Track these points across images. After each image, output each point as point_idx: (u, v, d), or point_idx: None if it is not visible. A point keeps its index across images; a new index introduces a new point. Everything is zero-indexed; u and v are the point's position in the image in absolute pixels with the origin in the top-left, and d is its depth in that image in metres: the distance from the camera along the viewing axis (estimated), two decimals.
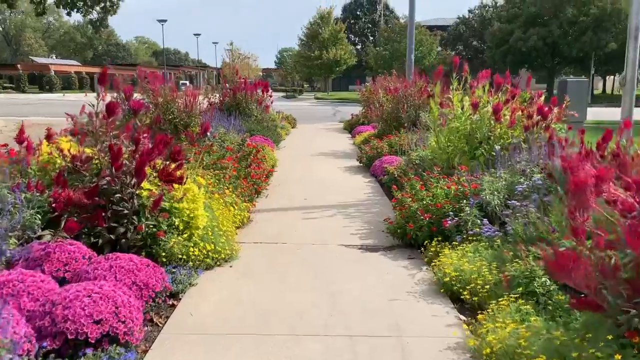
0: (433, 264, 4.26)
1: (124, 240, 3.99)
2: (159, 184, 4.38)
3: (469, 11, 65.55)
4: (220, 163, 6.82)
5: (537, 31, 43.19)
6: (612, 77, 62.50)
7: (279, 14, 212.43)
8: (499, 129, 6.14)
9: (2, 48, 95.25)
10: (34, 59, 68.34)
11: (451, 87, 6.69)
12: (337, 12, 60.58)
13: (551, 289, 3.33)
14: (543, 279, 3.37)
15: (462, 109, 6.71)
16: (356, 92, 57.79)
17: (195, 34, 66.13)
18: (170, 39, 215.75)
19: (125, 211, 4.02)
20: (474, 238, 4.38)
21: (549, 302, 3.25)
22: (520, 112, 6.35)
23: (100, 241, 3.94)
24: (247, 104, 12.57)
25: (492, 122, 6.16)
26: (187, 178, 4.50)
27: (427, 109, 11.07)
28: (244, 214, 5.43)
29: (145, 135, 4.89)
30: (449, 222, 4.60)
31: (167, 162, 4.54)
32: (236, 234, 5.17)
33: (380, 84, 14.80)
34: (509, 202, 4.47)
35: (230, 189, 5.73)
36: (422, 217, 4.83)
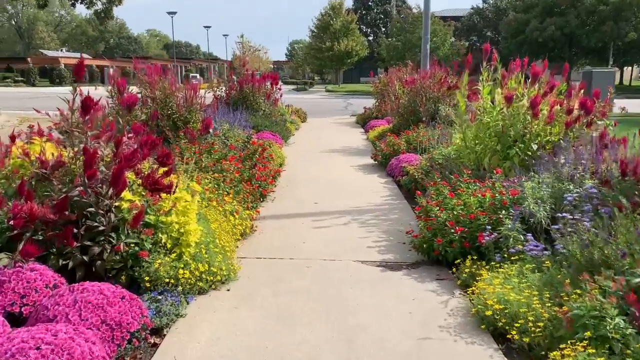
0: (470, 290, 3.56)
1: (99, 262, 3.34)
2: (144, 193, 3.73)
3: (483, 1, 64.21)
4: (222, 163, 6.16)
5: (554, 21, 41.95)
6: (629, 68, 60.97)
7: (291, 6, 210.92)
8: (535, 125, 5.40)
9: (15, 42, 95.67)
10: (44, 52, 68.21)
11: (480, 78, 5.94)
12: (349, 3, 59.65)
13: (627, 332, 2.63)
14: (617, 320, 2.66)
15: (492, 102, 5.97)
16: (369, 84, 56.95)
17: (205, 26, 65.47)
18: (181, 31, 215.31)
19: (101, 227, 3.37)
20: (517, 257, 3.68)
21: (627, 351, 2.55)
22: (558, 107, 5.60)
23: (71, 263, 3.29)
24: (255, 98, 11.89)
25: (528, 117, 5.42)
26: (177, 185, 3.84)
27: (447, 101, 10.34)
28: (246, 223, 4.77)
29: (131, 135, 4.23)
30: (486, 237, 3.90)
31: (154, 167, 3.89)
32: (236, 246, 4.52)
33: (395, 75, 14.02)
34: (558, 214, 3.76)
35: (231, 195, 5.06)
36: (452, 230, 4.13)
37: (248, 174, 6.19)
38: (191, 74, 64.76)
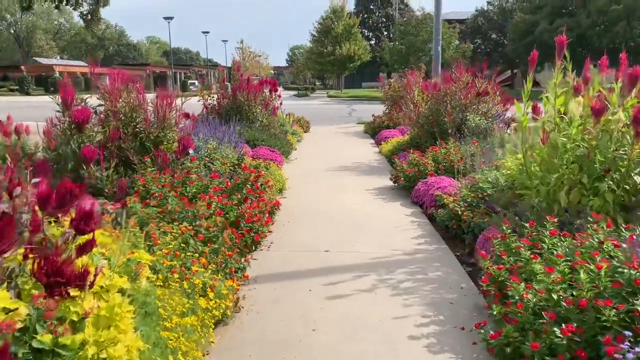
0: None
1: None
2: (36, 292, 2.15)
3: (488, 3, 62.73)
4: (200, 200, 4.59)
5: (564, 22, 40.40)
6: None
7: (291, 12, 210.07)
8: (638, 149, 3.82)
9: (14, 50, 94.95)
10: (38, 60, 67.06)
11: (551, 82, 4.34)
12: (350, 7, 58.22)
13: None
14: None
15: (562, 115, 4.40)
16: (374, 89, 55.52)
17: (203, 32, 64.18)
18: (181, 38, 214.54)
19: None
20: None
21: None
22: None
23: None
24: (250, 107, 10.33)
25: (627, 137, 3.85)
26: (99, 271, 2.26)
27: (475, 109, 8.78)
28: (225, 303, 3.18)
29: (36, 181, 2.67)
30: (622, 354, 2.31)
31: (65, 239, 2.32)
32: (211, 343, 2.94)
33: (413, 79, 12.43)
34: None
35: (206, 256, 3.48)
36: (554, 330, 2.55)
37: (235, 213, 4.62)
38: (190, 81, 63.53)
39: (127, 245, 2.83)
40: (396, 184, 7.28)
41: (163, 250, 3.18)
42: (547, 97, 4.36)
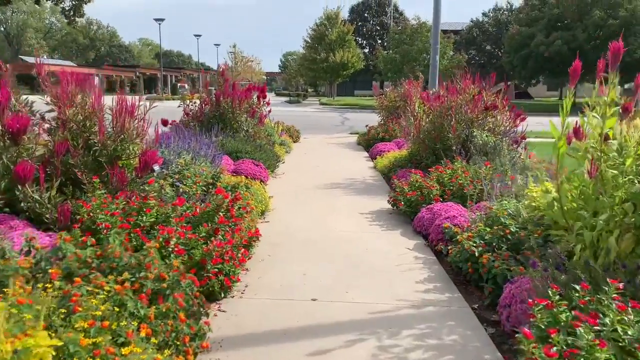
0: None
1: None
2: None
3: (483, 14, 62.50)
4: (159, 231, 3.69)
5: (560, 35, 40.02)
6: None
7: (285, 19, 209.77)
8: None
9: (3, 48, 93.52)
10: (24, 58, 65.63)
11: (598, 99, 3.48)
12: (345, 14, 57.61)
13: None
14: None
15: (609, 139, 3.55)
16: (366, 97, 54.81)
17: (195, 35, 63.21)
18: (174, 41, 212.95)
19: None
20: None
21: None
22: None
23: None
24: (235, 115, 9.43)
25: None
26: None
27: (482, 124, 7.97)
28: None
29: None
30: None
31: None
32: None
33: (414, 88, 11.57)
34: None
35: (149, 324, 2.56)
36: None
37: (201, 251, 3.71)
38: (179, 84, 62.42)
39: (18, 324, 1.92)
40: (395, 208, 6.41)
41: (85, 323, 2.26)
42: (590, 116, 3.50)
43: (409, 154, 8.98)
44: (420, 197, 5.97)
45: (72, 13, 18.67)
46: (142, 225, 3.89)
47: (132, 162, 4.71)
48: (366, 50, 67.38)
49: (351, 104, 44.48)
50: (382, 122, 14.13)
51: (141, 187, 4.62)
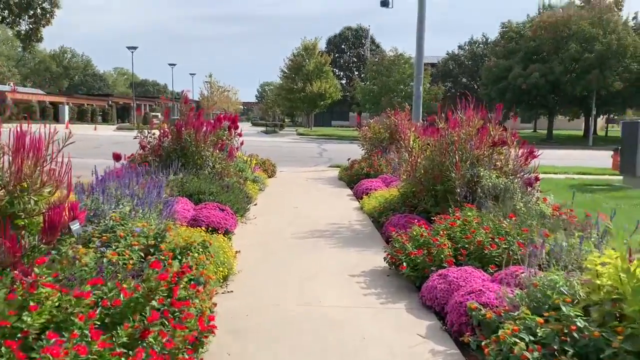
0: None
1: None
2: None
3: (459, 47, 62.99)
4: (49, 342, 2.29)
5: (537, 67, 40.03)
6: (603, 117, 59.69)
7: (263, 50, 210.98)
8: None
9: None
10: None
11: None
12: (322, 46, 57.20)
13: None
14: None
15: None
16: (344, 128, 53.99)
17: (170, 64, 62.06)
18: (149, 71, 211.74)
19: None
20: None
21: None
22: None
23: None
24: (199, 149, 8.08)
25: None
26: None
27: (487, 162, 6.80)
28: None
29: None
30: None
31: None
32: None
33: (407, 122, 10.34)
34: None
35: None
36: None
37: None
38: (153, 113, 60.78)
39: None
40: (393, 268, 5.10)
41: None
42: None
43: (401, 194, 7.74)
44: (428, 258, 4.66)
45: (29, 35, 17.26)
46: (25, 329, 2.48)
47: (31, 221, 3.31)
48: (343, 82, 67.10)
49: (329, 135, 43.55)
50: (366, 155, 12.92)
51: (48, 255, 3.22)
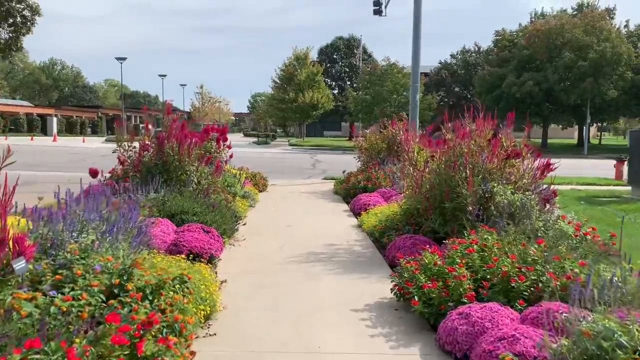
0: None
1: None
2: None
3: (451, 56, 62.77)
4: None
5: (531, 76, 39.76)
6: (596, 125, 59.61)
7: (254, 61, 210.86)
8: None
9: None
10: None
11: None
12: (313, 56, 56.77)
13: None
14: None
15: None
16: (336, 138, 53.36)
17: (160, 75, 61.36)
18: (141, 82, 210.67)
19: None
20: None
21: None
22: None
23: None
24: (183, 164, 7.40)
25: None
26: None
27: (500, 177, 6.18)
28: None
29: None
30: None
31: None
32: None
33: (409, 131, 9.67)
34: None
35: None
36: None
37: None
38: (142, 125, 60.09)
39: None
40: (402, 300, 4.44)
41: None
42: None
43: (403, 211, 7.09)
44: (444, 292, 4.00)
45: (9, 44, 16.57)
46: None
47: None
48: (335, 92, 66.65)
49: (321, 145, 43.01)
50: (362, 168, 12.29)
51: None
